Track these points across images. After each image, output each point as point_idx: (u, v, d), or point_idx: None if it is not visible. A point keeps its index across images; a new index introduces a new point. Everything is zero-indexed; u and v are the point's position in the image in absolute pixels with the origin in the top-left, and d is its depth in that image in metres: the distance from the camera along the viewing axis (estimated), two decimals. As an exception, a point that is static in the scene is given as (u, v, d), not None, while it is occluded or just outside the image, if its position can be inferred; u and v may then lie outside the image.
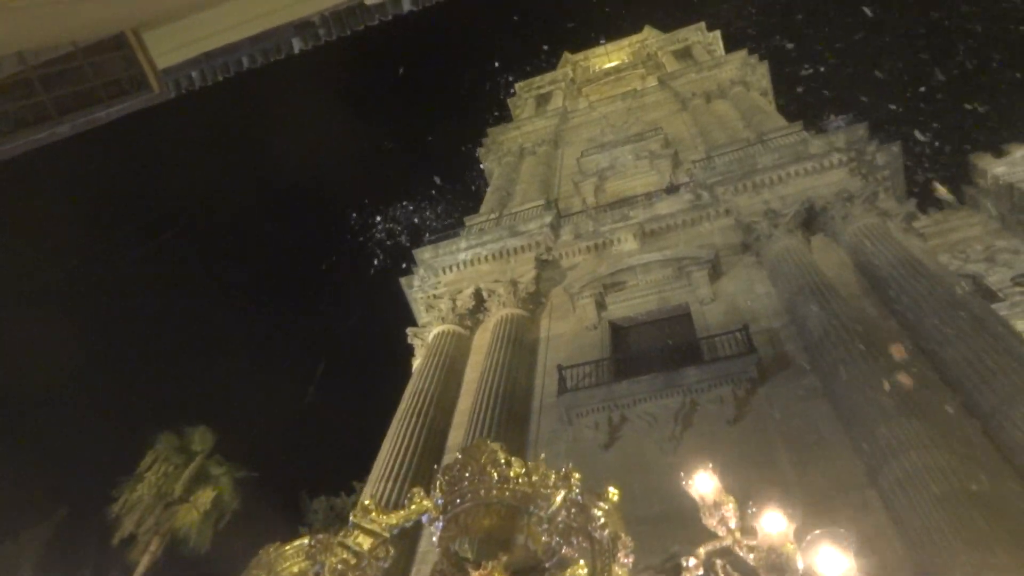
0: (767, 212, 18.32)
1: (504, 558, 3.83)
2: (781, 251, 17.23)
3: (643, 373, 15.62)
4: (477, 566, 3.73)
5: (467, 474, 3.94)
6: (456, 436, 16.17)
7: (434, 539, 4.05)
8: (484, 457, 3.98)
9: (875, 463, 11.76)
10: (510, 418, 15.56)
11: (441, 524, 3.96)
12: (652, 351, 16.58)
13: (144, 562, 22.13)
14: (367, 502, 3.82)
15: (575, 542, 3.51)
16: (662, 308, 18.16)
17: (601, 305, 18.57)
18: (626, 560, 3.23)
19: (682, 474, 2.67)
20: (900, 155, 18.86)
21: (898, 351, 13.51)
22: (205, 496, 23.78)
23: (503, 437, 14.73)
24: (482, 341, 18.51)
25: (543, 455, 14.05)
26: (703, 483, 2.42)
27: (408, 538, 13.05)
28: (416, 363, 19.26)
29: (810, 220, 18.28)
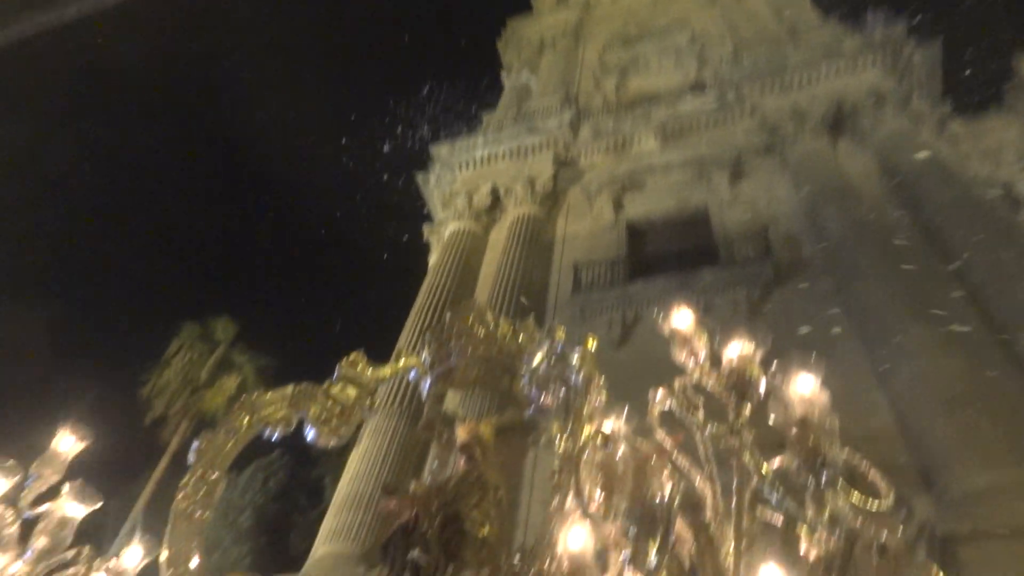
0: (794, 113, 17.72)
1: (493, 417, 3.94)
2: (806, 154, 16.78)
3: (658, 274, 15.60)
4: (464, 421, 3.83)
5: (454, 332, 3.98)
6: (471, 332, 16.37)
7: (423, 396, 4.15)
8: (471, 316, 4.01)
9: (886, 367, 11.86)
10: (524, 317, 15.67)
11: (430, 381, 4.04)
12: (668, 252, 16.49)
13: (174, 442, 23.24)
14: (353, 356, 3.88)
15: (552, 388, 3.58)
16: (681, 209, 17.91)
17: (619, 205, 18.33)
18: (598, 400, 3.29)
19: (656, 309, 2.68)
20: (939, 55, 17.99)
21: (916, 258, 13.37)
22: (229, 382, 24.71)
23: (518, 333, 14.93)
24: (498, 239, 18.45)
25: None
26: (680, 318, 2.43)
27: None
28: (432, 259, 19.33)
29: (838, 123, 17.68)
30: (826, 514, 1.67)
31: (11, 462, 2.86)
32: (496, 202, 19.62)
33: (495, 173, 20.14)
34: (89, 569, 2.80)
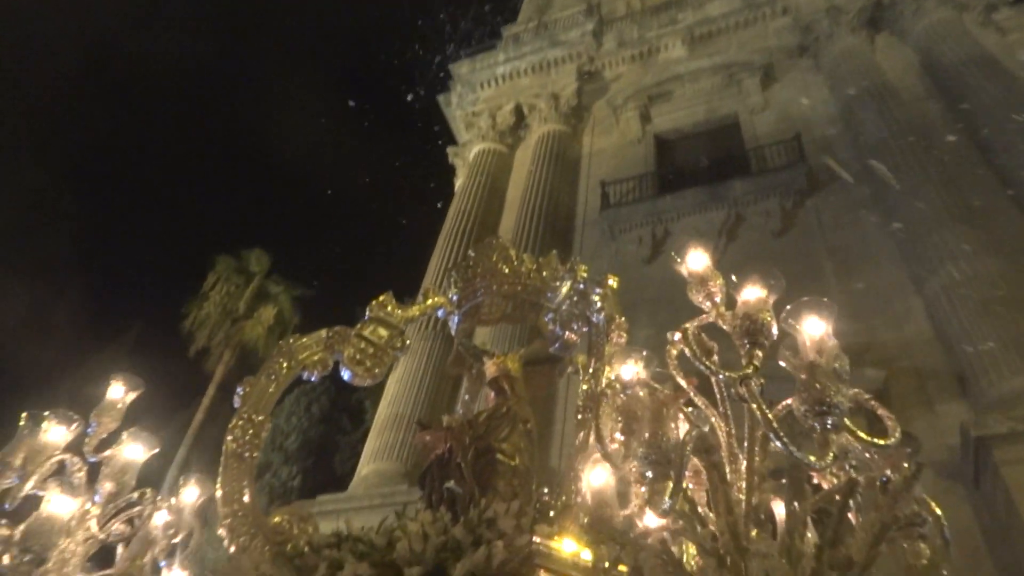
0: (829, 9, 16.90)
1: (521, 350, 4.08)
2: (842, 52, 16.11)
3: (688, 187, 15.41)
4: (493, 356, 3.97)
5: (479, 270, 4.08)
6: (500, 254, 16.44)
7: (452, 331, 4.30)
8: (496, 254, 4.09)
9: (922, 272, 11.75)
10: (553, 235, 15.72)
11: (457, 318, 4.18)
12: (698, 164, 16.21)
13: (219, 372, 24.22)
14: (382, 298, 4.02)
15: (575, 327, 3.69)
16: (710, 119, 17.47)
17: (646, 117, 17.92)
18: (619, 340, 3.39)
19: (673, 253, 2.73)
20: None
21: (958, 158, 12.98)
22: (267, 313, 25.43)
23: (546, 253, 14.95)
24: (523, 158, 18.27)
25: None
26: (695, 260, 2.48)
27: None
28: (458, 183, 19.25)
29: (876, 17, 16.84)
30: (829, 457, 1.76)
31: (71, 413, 3.10)
32: (520, 120, 19.31)
33: (518, 90, 19.73)
34: (154, 509, 3.08)
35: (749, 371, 1.96)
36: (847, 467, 1.99)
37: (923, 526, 1.81)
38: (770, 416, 1.82)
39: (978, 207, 11.88)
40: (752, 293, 2.19)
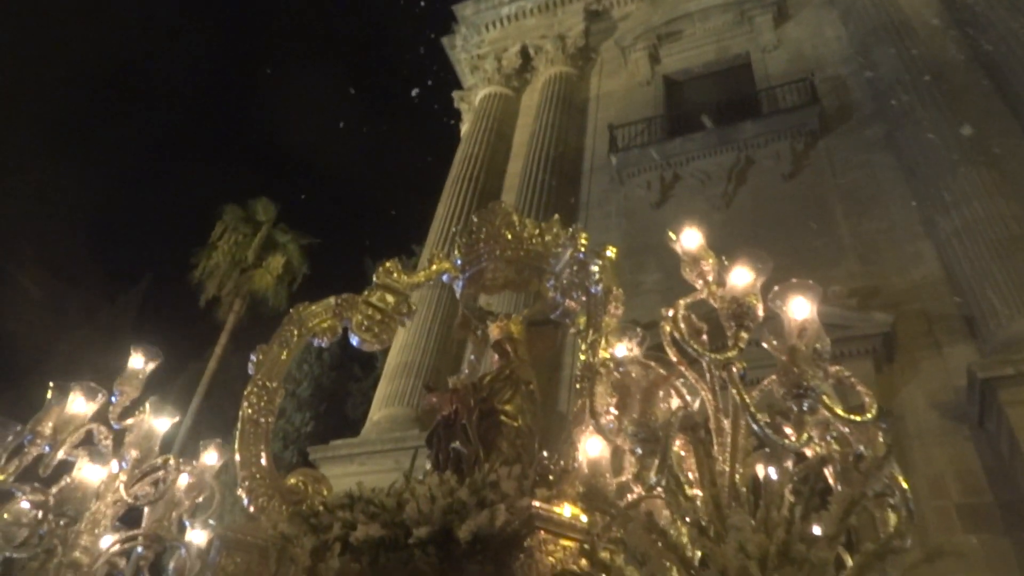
0: (845, -60, 16.35)
1: (525, 311, 4.21)
2: (858, -14, 15.67)
3: (697, 130, 15.24)
4: (496, 318, 4.10)
5: (483, 236, 4.17)
6: (508, 199, 16.41)
7: (457, 296, 4.43)
8: (499, 219, 4.18)
9: (934, 214, 11.71)
10: (561, 180, 15.68)
11: (462, 283, 4.29)
12: (708, 106, 15.98)
13: (230, 320, 24.59)
14: (388, 264, 4.14)
15: (575, 296, 3.81)
16: (720, 59, 17.15)
17: (655, 58, 17.60)
18: (616, 311, 3.50)
19: (670, 232, 2.81)
20: None
21: (975, 97, 12.76)
22: (276, 262, 25.66)
23: (554, 199, 15.02)
24: (530, 102, 18.05)
25: (593, 215, 14.29)
26: (688, 239, 2.57)
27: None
28: (464, 128, 19.08)
29: (894, -53, 16.29)
30: (804, 438, 1.88)
31: (95, 385, 3.27)
32: (526, 63, 19.01)
33: (524, 31, 19.35)
34: (176, 473, 3.27)
35: (732, 354, 2.07)
36: (828, 439, 2.12)
37: (893, 497, 1.94)
38: (748, 400, 1.94)
39: (993, 147, 11.74)
40: (740, 276, 2.28)
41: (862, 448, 1.95)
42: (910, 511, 1.96)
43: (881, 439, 1.91)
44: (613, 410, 2.19)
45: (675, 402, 2.15)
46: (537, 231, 4.12)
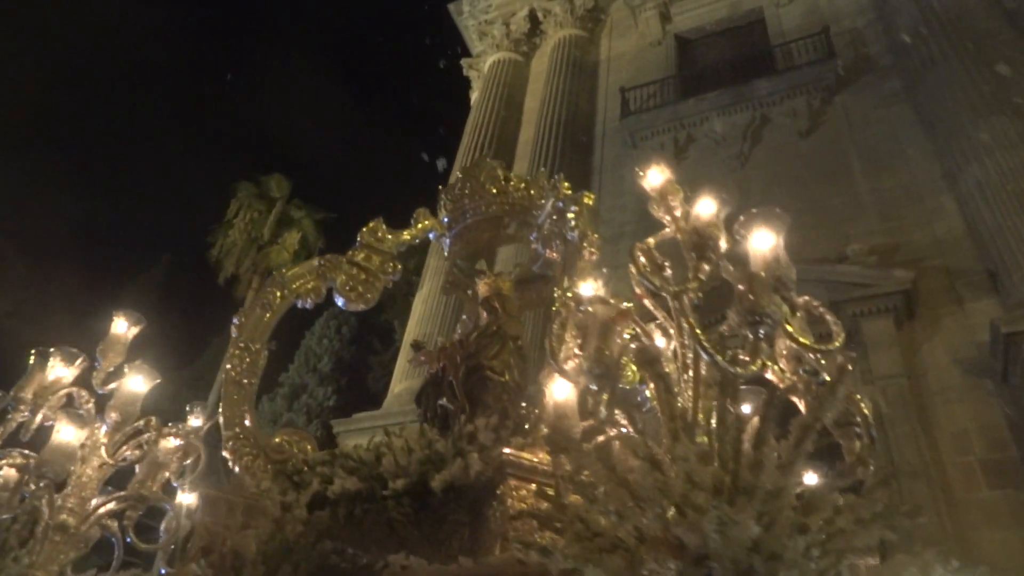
0: None
1: (517, 269, 4.16)
2: (875, -68, 15.16)
3: (711, 89, 14.98)
4: (484, 276, 4.06)
5: (467, 191, 4.12)
6: (520, 168, 16.27)
7: (445, 254, 4.39)
8: (483, 175, 4.13)
9: (955, 167, 11.45)
10: (573, 146, 15.53)
11: (449, 240, 4.26)
12: (721, 64, 15.69)
13: (249, 297, 24.87)
14: (372, 224, 4.11)
15: (555, 245, 3.76)
16: (733, 15, 16.77)
17: (665, 17, 17.25)
18: (591, 257, 3.45)
19: (636, 169, 2.74)
20: None
21: (997, 46, 12.34)
22: (291, 237, 25.86)
23: (567, 165, 14.88)
24: (540, 68, 17.82)
25: (606, 181, 14.14)
26: (654, 176, 2.50)
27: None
28: (475, 96, 18.91)
29: None
30: (756, 366, 1.83)
31: (75, 350, 3.31)
32: (535, 27, 18.73)
33: (531, -7, 19.04)
34: (159, 436, 3.30)
35: (693, 286, 2.01)
36: (800, 372, 2.07)
37: (857, 425, 1.89)
38: (698, 331, 1.88)
39: (1015, 96, 11.38)
40: (704, 207, 2.21)
41: (825, 376, 1.90)
42: (872, 437, 1.90)
43: (850, 367, 1.85)
44: (577, 351, 2.15)
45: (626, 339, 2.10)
46: (523, 184, 4.06)
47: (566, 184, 3.83)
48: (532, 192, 4.00)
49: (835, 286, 10.68)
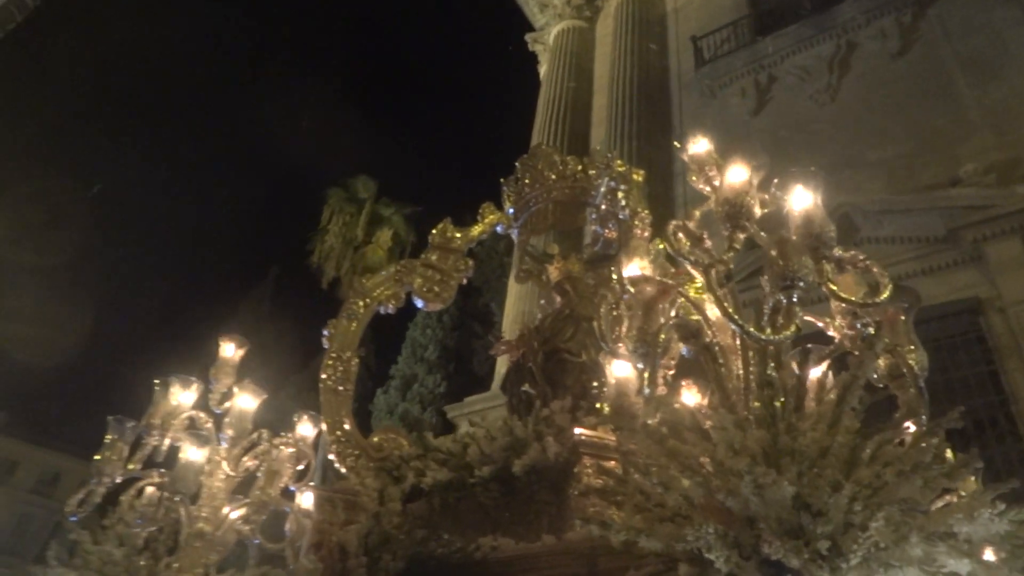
0: None
1: (586, 252, 4.26)
2: None
3: (789, 23, 14.37)
4: (554, 260, 4.19)
5: (527, 181, 4.24)
6: (598, 134, 16.21)
7: (515, 244, 4.55)
8: (541, 162, 4.23)
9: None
10: (649, 105, 15.27)
11: (517, 230, 4.40)
12: (797, -5, 14.95)
13: (351, 297, 25.97)
14: (441, 225, 4.32)
15: (611, 226, 3.83)
16: (805, -64, 15.89)
17: (731, -47, 16.57)
18: (643, 234, 3.49)
19: (675, 142, 2.78)
20: None
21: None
22: (384, 235, 26.84)
23: (645, 125, 14.70)
24: (605, 30, 17.57)
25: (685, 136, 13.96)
26: (697, 146, 2.53)
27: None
28: (543, 70, 18.87)
29: None
30: (788, 332, 1.87)
31: (191, 377, 3.72)
32: (595, -12, 18.43)
33: (588, -46, 18.73)
34: (271, 445, 3.68)
35: (728, 256, 2.07)
36: (858, 326, 2.09)
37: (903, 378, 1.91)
38: (726, 304, 1.95)
39: None
40: (735, 175, 2.25)
41: (870, 330, 1.92)
42: (919, 389, 1.91)
43: (903, 319, 1.86)
44: (624, 331, 2.26)
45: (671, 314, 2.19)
46: (580, 166, 4.15)
47: (619, 162, 3.90)
48: (591, 172, 4.09)
49: (951, 212, 10.16)
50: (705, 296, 2.18)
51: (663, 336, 2.04)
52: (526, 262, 4.63)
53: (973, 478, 2.94)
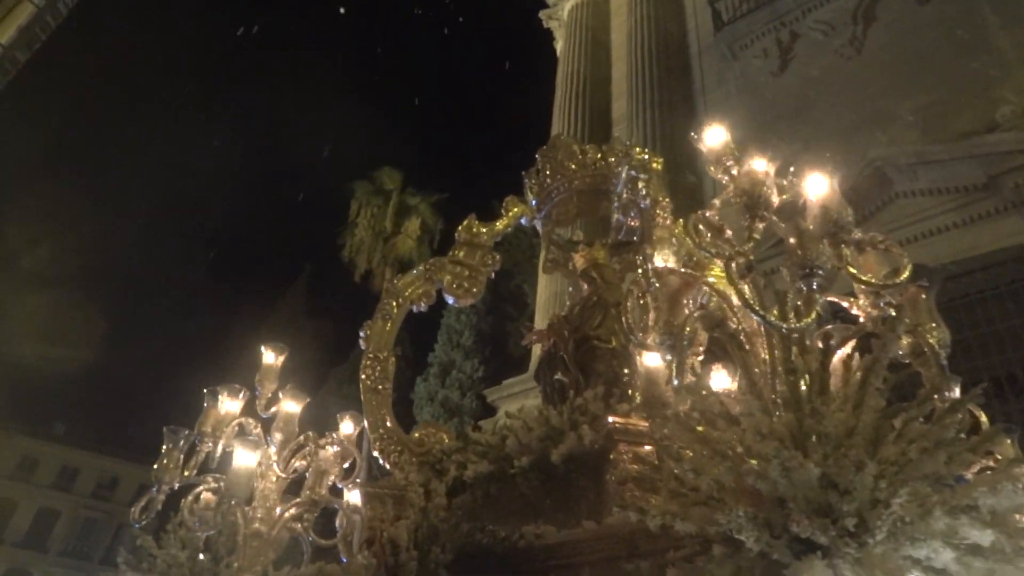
0: None
1: (610, 238, 4.31)
2: None
3: (808, -23, 14.02)
4: (579, 248, 4.24)
5: (548, 172, 4.30)
6: (619, 107, 16.07)
7: (541, 235, 4.61)
8: (561, 153, 4.27)
9: None
10: (669, 73, 15.09)
11: (540, 222, 4.46)
12: (815, -55, 14.59)
13: (385, 288, 26.36)
14: (467, 222, 4.40)
15: (633, 214, 3.86)
16: None
17: (745, -94, 16.20)
18: (665, 222, 3.52)
19: (692, 133, 2.79)
20: None
21: None
22: (412, 225, 27.09)
23: (666, 94, 14.54)
24: (620, 1, 17.34)
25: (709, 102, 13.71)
26: (712, 136, 2.54)
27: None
28: (559, 46, 18.72)
29: None
30: (808, 319, 1.91)
31: (237, 385, 3.90)
32: (607, -44, 18.16)
33: (596, -78, 18.45)
34: (317, 446, 3.84)
35: (748, 247, 2.11)
36: (881, 306, 2.13)
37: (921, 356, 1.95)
38: (746, 292, 1.99)
39: None
40: (755, 164, 2.28)
41: (891, 311, 1.96)
42: (940, 366, 1.95)
43: (924, 297, 1.90)
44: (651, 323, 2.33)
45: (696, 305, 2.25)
46: (599, 155, 4.19)
47: (638, 149, 3.93)
48: (611, 160, 4.13)
49: (989, 160, 9.92)
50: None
51: (688, 328, 2.10)
52: (552, 251, 4.70)
53: (1009, 441, 2.97)
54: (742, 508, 1.64)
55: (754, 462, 1.68)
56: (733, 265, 2.06)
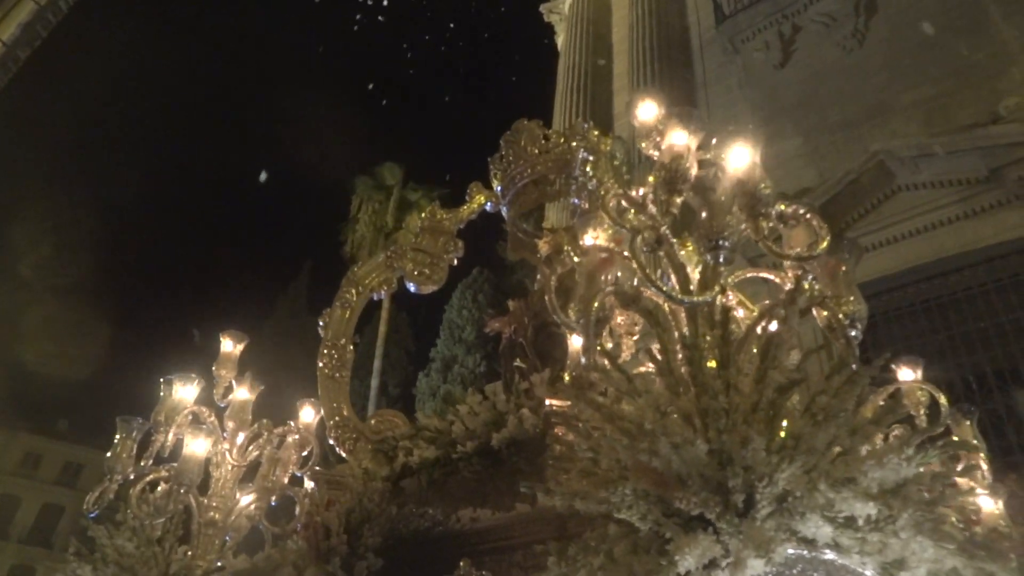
0: None
1: (574, 222, 4.27)
2: None
3: (808, -31, 13.95)
4: (543, 234, 4.22)
5: (511, 157, 4.28)
6: (620, 101, 16.06)
7: (506, 221, 4.59)
8: (523, 137, 4.25)
9: None
10: (670, 67, 15.05)
11: (506, 208, 4.45)
12: (814, -66, 14.50)
13: (346, 276, 26.48)
14: (430, 208, 4.40)
15: (583, 196, 3.84)
16: None
17: None
18: (613, 203, 3.48)
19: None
20: None
21: None
22: (414, 220, 27.12)
23: (668, 88, 14.47)
24: (620, -8, 17.31)
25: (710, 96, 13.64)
26: (645, 111, 2.54)
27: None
28: (560, 40, 18.72)
29: None
30: (711, 293, 1.88)
31: (192, 374, 3.90)
32: (607, -51, 18.13)
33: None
34: (271, 434, 3.84)
35: (664, 222, 2.10)
36: (810, 279, 2.10)
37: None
38: (634, 265, 1.98)
39: None
40: (676, 139, 2.26)
41: (799, 284, 1.93)
42: (847, 339, 1.92)
43: (844, 269, 1.88)
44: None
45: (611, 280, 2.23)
46: (562, 139, 4.17)
47: (594, 132, 3.90)
48: (573, 144, 4.11)
49: (992, 151, 9.87)
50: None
51: (597, 303, 2.08)
52: (517, 238, 4.69)
53: (968, 423, 2.93)
54: (632, 486, 1.63)
55: (647, 441, 1.67)
56: (639, 239, 2.04)
